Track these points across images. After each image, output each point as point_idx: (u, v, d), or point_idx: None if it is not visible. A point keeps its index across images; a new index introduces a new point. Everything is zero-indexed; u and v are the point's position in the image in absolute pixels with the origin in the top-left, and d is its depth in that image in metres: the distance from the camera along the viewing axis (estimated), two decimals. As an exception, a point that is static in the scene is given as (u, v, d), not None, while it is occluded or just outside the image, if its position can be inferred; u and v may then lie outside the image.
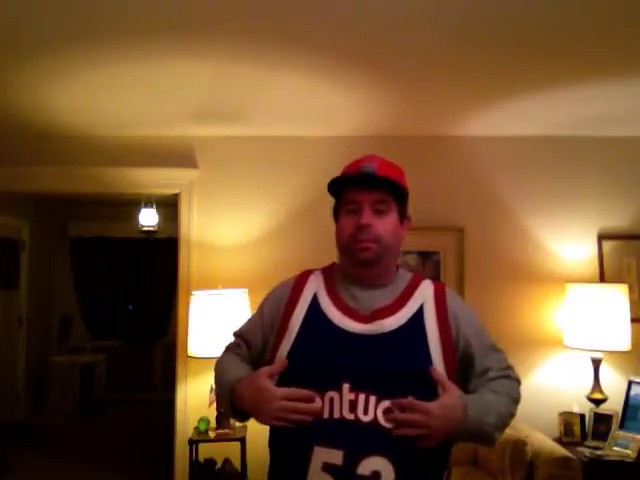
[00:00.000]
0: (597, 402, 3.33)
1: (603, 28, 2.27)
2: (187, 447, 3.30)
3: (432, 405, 1.21)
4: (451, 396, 1.24)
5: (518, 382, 1.46)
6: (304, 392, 1.24)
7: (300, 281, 1.43)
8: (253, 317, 1.52)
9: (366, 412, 1.21)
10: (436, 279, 3.63)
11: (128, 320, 7.46)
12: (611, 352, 3.37)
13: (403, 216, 1.43)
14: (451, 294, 1.43)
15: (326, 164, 3.90)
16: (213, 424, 3.33)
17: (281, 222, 3.66)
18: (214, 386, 1.51)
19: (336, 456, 1.19)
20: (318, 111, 3.35)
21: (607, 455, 3.05)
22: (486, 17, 2.16)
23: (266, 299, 1.50)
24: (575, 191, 3.75)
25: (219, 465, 3.36)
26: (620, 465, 2.99)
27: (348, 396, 1.22)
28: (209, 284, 3.45)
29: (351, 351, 1.27)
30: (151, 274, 7.41)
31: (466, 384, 1.35)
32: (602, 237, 3.73)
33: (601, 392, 3.36)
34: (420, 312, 1.34)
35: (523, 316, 3.68)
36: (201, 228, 3.73)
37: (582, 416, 3.34)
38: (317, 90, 2.98)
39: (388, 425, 1.20)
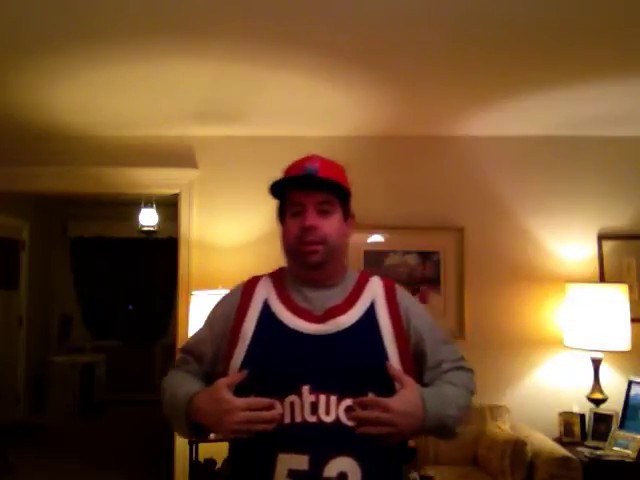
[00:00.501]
0: (597, 402, 3.33)
1: (603, 28, 2.27)
2: (187, 447, 3.30)
3: (392, 401, 1.21)
4: (409, 391, 1.24)
5: (472, 372, 1.46)
6: (265, 400, 1.22)
7: (249, 287, 1.41)
8: (200, 330, 1.47)
9: (328, 413, 1.20)
10: (435, 281, 3.68)
11: (128, 320, 7.46)
12: (611, 352, 3.37)
13: (347, 215, 1.40)
14: (400, 290, 1.43)
15: (326, 164, 3.91)
16: (213, 424, 3.33)
17: (281, 222, 3.67)
18: (164, 406, 1.43)
19: (301, 461, 1.18)
20: (318, 111, 3.35)
21: (607, 455, 3.05)
22: (486, 17, 2.16)
23: (214, 309, 1.47)
24: (575, 191, 3.75)
25: (219, 465, 3.36)
26: (620, 465, 2.98)
27: (309, 398, 1.21)
28: (209, 284, 3.45)
29: (307, 353, 1.26)
30: (151, 274, 7.41)
31: (421, 377, 1.35)
32: (602, 237, 3.73)
33: (601, 392, 3.36)
34: (372, 308, 1.34)
35: (523, 316, 3.68)
36: (201, 228, 3.73)
37: (582, 416, 3.34)
38: (317, 90, 2.98)
39: (351, 424, 1.20)
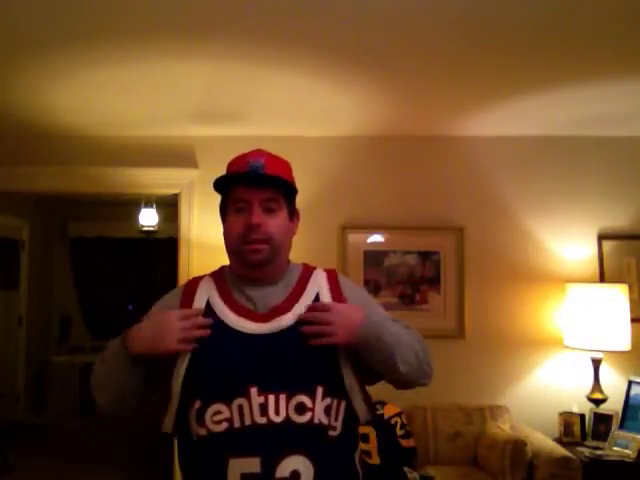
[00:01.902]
0: (597, 402, 3.33)
1: (603, 28, 2.27)
2: (187, 447, 3.30)
3: (333, 302, 1.29)
4: (352, 303, 1.31)
5: (419, 337, 1.34)
6: (195, 309, 1.27)
7: (189, 289, 1.36)
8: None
9: (278, 413, 1.19)
10: (435, 281, 3.68)
11: (128, 320, 7.44)
12: (611, 352, 3.37)
13: (292, 212, 1.37)
14: (343, 278, 1.40)
15: (326, 164, 3.93)
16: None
17: (281, 222, 3.67)
18: (94, 378, 1.39)
19: (253, 464, 1.16)
20: (318, 111, 3.35)
21: (607, 455, 3.05)
22: (486, 18, 2.16)
23: (152, 312, 1.41)
24: (575, 191, 3.75)
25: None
26: (620, 465, 2.98)
27: (257, 400, 1.19)
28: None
29: (253, 353, 1.23)
30: (151, 274, 7.41)
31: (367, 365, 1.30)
32: (602, 237, 3.73)
33: (601, 392, 3.36)
34: (317, 299, 1.32)
35: (523, 316, 3.68)
36: (201, 228, 3.73)
37: (582, 416, 3.34)
38: (317, 90, 2.98)
39: (299, 420, 1.19)
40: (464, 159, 3.78)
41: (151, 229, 6.27)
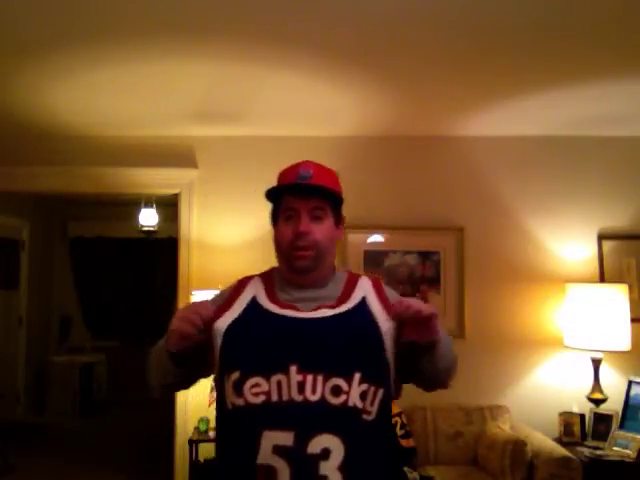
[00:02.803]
0: (597, 402, 3.33)
1: (603, 29, 2.27)
2: (187, 447, 3.30)
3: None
4: None
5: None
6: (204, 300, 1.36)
7: (239, 286, 1.44)
8: None
9: (314, 392, 1.23)
10: (435, 281, 3.68)
11: (128, 320, 7.45)
12: (611, 352, 3.37)
13: (338, 220, 1.44)
14: (388, 287, 1.46)
15: (326, 164, 3.91)
16: (213, 424, 3.33)
17: (281, 222, 3.67)
18: (148, 365, 1.45)
19: (286, 438, 1.21)
20: (318, 111, 3.35)
21: (607, 455, 3.05)
22: (486, 18, 2.16)
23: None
24: (575, 191, 3.75)
25: (219, 465, 3.36)
26: (620, 465, 2.99)
27: (296, 378, 1.24)
28: (209, 284, 3.44)
29: (296, 335, 1.29)
30: (151, 274, 7.41)
31: (407, 365, 1.36)
32: (602, 237, 3.73)
33: (601, 392, 3.36)
34: (363, 301, 1.37)
35: (523, 316, 3.68)
36: (201, 228, 3.73)
37: (582, 416, 3.34)
38: (317, 90, 2.98)
39: (334, 402, 1.23)
40: (464, 159, 3.78)
41: (151, 229, 6.26)
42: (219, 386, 1.32)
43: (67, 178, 3.78)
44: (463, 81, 2.86)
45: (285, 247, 1.39)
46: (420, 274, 3.72)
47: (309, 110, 3.34)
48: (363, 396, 1.25)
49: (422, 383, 1.41)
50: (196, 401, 3.56)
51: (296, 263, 1.37)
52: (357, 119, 3.48)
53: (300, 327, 1.30)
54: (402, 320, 1.26)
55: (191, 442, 3.29)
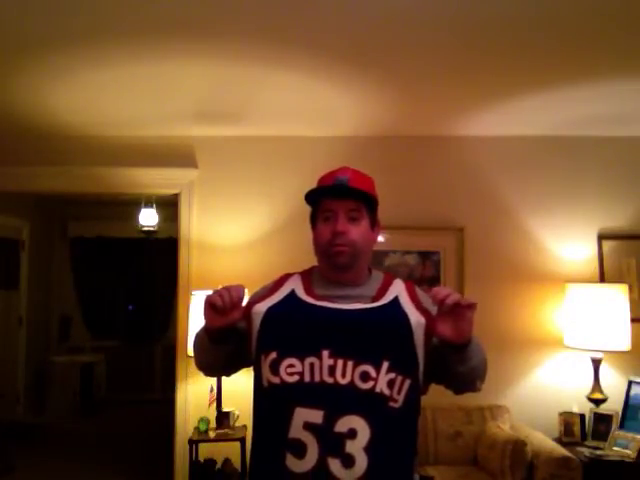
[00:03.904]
0: (597, 402, 3.33)
1: (602, 30, 2.27)
2: (187, 447, 3.30)
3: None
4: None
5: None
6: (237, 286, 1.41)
7: (279, 281, 1.53)
8: None
9: (344, 376, 1.32)
10: (435, 281, 3.67)
11: (128, 320, 7.45)
12: (611, 352, 3.37)
13: (374, 223, 1.53)
14: (420, 290, 1.53)
15: (326, 164, 3.90)
16: (213, 424, 3.33)
17: (281, 222, 3.67)
18: (193, 347, 1.57)
19: (316, 415, 1.30)
20: (318, 111, 3.35)
21: (607, 455, 3.05)
22: (486, 18, 2.16)
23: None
24: (575, 191, 3.75)
25: (219, 465, 3.36)
26: (620, 465, 2.99)
27: (327, 362, 1.33)
28: (209, 284, 3.44)
29: (330, 322, 1.38)
30: (151, 274, 7.41)
31: (435, 369, 1.42)
32: (602, 237, 3.73)
33: (601, 392, 3.36)
34: (396, 299, 1.45)
35: (523, 316, 3.68)
36: (201, 228, 3.73)
37: (582, 416, 3.34)
38: (317, 90, 2.98)
39: (362, 387, 1.32)
40: (464, 159, 3.78)
41: (151, 229, 6.27)
42: (256, 365, 1.42)
43: (67, 178, 3.77)
44: (463, 81, 2.86)
45: (324, 245, 1.47)
46: (420, 274, 3.72)
47: (309, 110, 3.34)
48: (390, 384, 1.33)
49: (453, 385, 1.48)
50: (196, 401, 3.57)
51: (335, 260, 1.45)
52: (357, 119, 3.48)
53: (334, 316, 1.39)
54: (443, 306, 1.32)
55: (191, 442, 3.29)
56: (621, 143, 3.75)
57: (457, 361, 1.38)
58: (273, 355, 1.37)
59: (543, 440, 3.17)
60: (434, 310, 1.41)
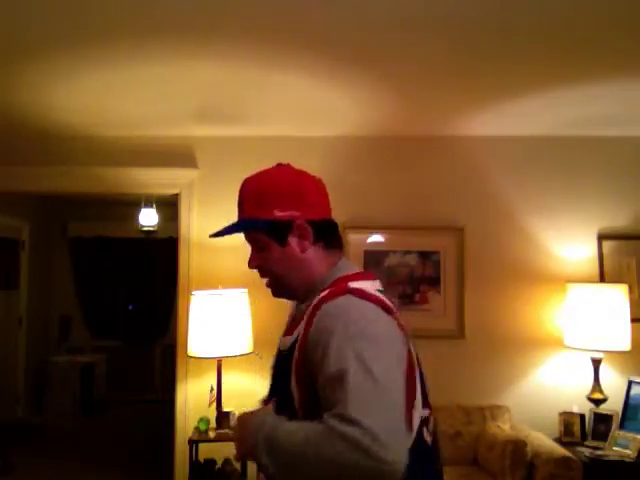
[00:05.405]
0: (597, 402, 3.33)
1: (602, 31, 2.27)
2: (187, 447, 3.30)
3: (242, 416, 1.21)
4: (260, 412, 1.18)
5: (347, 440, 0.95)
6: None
7: None
8: None
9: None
10: (435, 281, 3.68)
11: (128, 320, 7.46)
12: (611, 352, 3.37)
13: (283, 238, 1.28)
14: (330, 306, 1.14)
15: (326, 164, 3.93)
16: (213, 424, 3.33)
17: (281, 222, 3.67)
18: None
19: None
20: (318, 111, 3.35)
21: (607, 455, 3.05)
22: (486, 19, 2.16)
23: None
24: (575, 191, 3.75)
25: (219, 465, 3.36)
26: (620, 465, 2.99)
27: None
28: (209, 284, 3.45)
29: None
30: (151, 274, 7.41)
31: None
32: (602, 237, 3.73)
33: (601, 392, 3.36)
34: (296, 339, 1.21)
35: (523, 316, 3.68)
36: (201, 228, 3.73)
37: (582, 416, 3.34)
38: (317, 90, 2.98)
39: None
40: (464, 159, 3.78)
41: (151, 229, 6.27)
42: None
43: (67, 178, 3.77)
44: (463, 82, 2.86)
45: None
46: (420, 274, 3.72)
47: (309, 110, 3.33)
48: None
49: None
50: (196, 401, 3.57)
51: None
52: (356, 119, 3.48)
53: (275, 359, 1.32)
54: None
55: (191, 442, 3.29)
56: (621, 143, 3.75)
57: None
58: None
59: (543, 440, 3.17)
60: (321, 349, 1.08)
